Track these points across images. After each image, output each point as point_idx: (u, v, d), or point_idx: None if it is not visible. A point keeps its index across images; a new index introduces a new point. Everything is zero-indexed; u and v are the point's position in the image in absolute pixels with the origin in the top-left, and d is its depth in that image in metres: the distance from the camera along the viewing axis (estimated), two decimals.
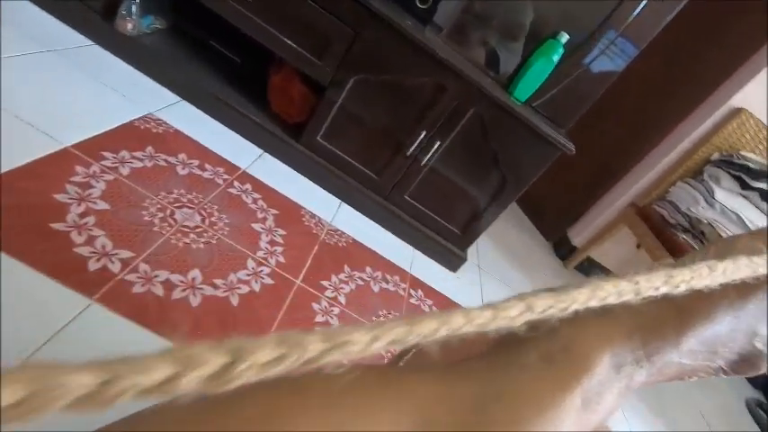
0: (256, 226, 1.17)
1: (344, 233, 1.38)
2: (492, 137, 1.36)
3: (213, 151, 1.30)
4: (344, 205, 1.50)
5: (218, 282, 0.96)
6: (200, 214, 1.08)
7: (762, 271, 0.24)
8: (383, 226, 1.53)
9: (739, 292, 0.25)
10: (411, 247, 1.55)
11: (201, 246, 1.00)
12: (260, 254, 1.09)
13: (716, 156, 1.88)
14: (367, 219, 1.52)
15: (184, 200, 1.08)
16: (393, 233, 1.54)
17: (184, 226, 1.02)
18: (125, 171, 1.04)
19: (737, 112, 1.84)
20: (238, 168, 1.31)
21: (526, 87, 1.33)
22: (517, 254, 2.10)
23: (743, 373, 0.27)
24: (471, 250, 1.78)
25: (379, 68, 1.31)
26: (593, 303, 0.20)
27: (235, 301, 0.95)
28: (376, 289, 1.27)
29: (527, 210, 2.60)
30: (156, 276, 0.87)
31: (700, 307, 0.25)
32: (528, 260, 2.13)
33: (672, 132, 2.04)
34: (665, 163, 2.03)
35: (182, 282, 0.90)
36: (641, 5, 1.25)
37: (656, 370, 0.24)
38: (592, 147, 2.31)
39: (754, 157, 1.75)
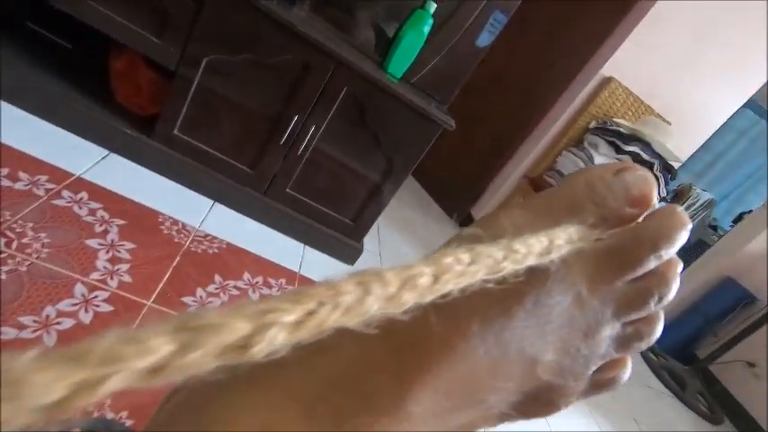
0: (92, 242, 0.96)
1: (216, 238, 1.21)
2: (370, 117, 1.26)
3: (32, 156, 1.06)
4: (218, 206, 1.33)
5: (26, 320, 0.75)
6: (5, 236, 0.85)
7: (508, 267, 0.13)
8: (265, 224, 1.38)
9: (495, 301, 0.15)
10: (300, 244, 1.42)
11: (3, 277, 0.79)
12: (95, 276, 0.90)
13: (593, 124, 1.96)
14: (246, 218, 1.36)
15: None
16: (278, 231, 1.39)
17: None
18: None
19: (608, 81, 1.94)
20: (71, 174, 1.08)
21: (400, 63, 1.25)
22: (422, 238, 2.06)
23: (540, 415, 0.19)
24: (372, 239, 1.70)
25: (234, 46, 1.14)
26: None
27: (51, 340, 0.75)
28: (255, 297, 1.13)
29: (431, 192, 2.58)
30: None
31: (434, 338, 0.15)
32: (434, 243, 2.10)
33: (556, 103, 2.11)
34: (552, 134, 2.09)
35: None
36: None
37: None
38: (488, 123, 2.33)
39: (624, 123, 1.85)
